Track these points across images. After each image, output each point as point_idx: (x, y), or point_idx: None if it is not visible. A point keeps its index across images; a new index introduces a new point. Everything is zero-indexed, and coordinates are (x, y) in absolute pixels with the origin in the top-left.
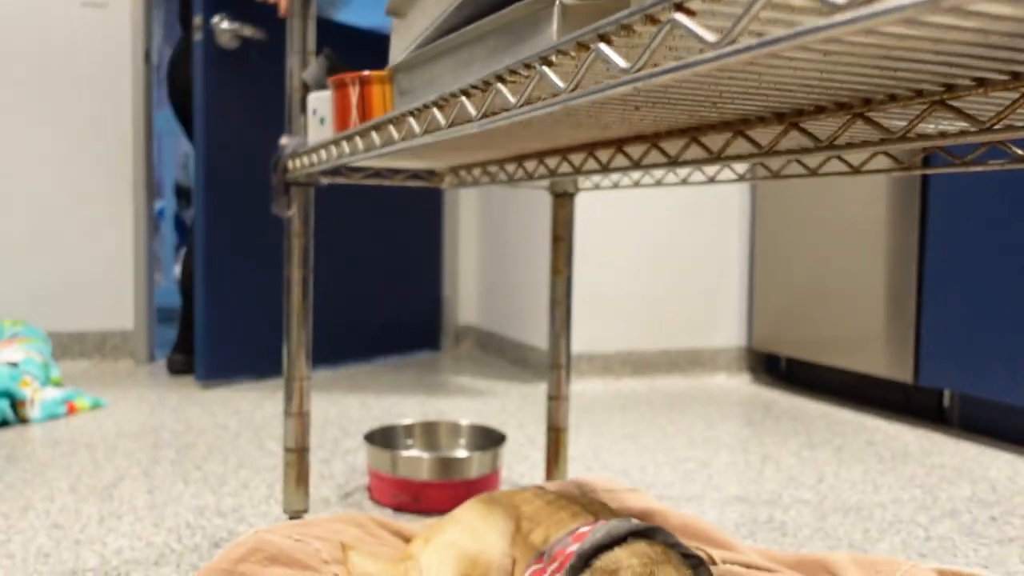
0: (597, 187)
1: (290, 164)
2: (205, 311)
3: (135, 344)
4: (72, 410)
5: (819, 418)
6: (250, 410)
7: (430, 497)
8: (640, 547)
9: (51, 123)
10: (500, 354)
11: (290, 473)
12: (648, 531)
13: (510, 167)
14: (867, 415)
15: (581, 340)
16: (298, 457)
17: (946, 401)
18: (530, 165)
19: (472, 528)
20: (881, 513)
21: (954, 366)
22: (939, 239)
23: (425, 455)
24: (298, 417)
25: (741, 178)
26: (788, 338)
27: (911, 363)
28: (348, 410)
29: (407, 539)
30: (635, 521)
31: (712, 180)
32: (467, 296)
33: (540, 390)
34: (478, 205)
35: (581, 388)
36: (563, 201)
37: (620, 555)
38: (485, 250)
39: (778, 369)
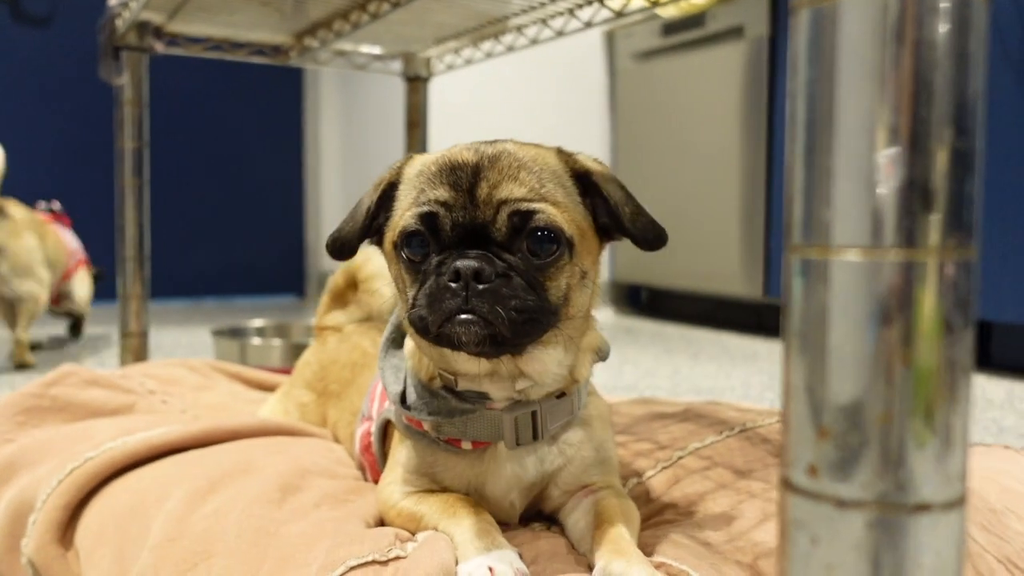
0: (450, 67)
1: (117, 23)
2: None
3: None
4: None
5: (678, 336)
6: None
7: None
8: None
9: None
10: None
11: (127, 359)
12: None
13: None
14: (723, 333)
15: None
16: (138, 342)
17: None
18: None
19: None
20: (731, 394)
21: None
22: (783, 158)
23: (277, 341)
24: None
25: (587, 25)
26: (649, 268)
27: (761, 279)
28: (203, 337)
29: (246, 382)
30: None
31: (560, 33)
32: None
33: None
34: (342, 149)
35: None
36: (416, 86)
37: None
38: (348, 196)
39: (640, 300)
